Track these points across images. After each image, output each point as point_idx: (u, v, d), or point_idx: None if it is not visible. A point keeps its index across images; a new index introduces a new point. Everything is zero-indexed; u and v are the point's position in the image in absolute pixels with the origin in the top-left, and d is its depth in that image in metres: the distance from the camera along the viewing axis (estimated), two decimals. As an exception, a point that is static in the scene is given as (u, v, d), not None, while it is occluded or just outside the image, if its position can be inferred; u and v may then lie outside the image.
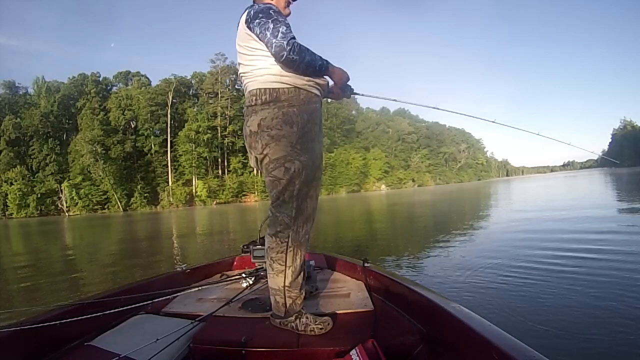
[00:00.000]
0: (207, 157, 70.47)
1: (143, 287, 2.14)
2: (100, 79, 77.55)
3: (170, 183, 70.30)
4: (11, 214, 62.86)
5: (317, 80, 1.75)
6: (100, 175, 65.84)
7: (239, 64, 1.81)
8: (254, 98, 1.71)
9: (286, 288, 1.70)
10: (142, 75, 78.80)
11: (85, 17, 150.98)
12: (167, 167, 71.55)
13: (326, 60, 1.71)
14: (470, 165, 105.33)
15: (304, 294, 1.78)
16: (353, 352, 1.36)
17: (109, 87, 78.60)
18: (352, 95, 2.06)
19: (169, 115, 72.72)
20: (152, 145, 72.75)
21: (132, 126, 73.90)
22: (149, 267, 7.10)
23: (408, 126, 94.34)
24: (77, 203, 65.28)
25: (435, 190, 50.00)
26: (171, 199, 67.38)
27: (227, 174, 71.88)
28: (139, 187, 68.24)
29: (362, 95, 2.14)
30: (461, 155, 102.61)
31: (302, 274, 1.78)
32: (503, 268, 4.66)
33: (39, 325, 1.48)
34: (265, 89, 1.68)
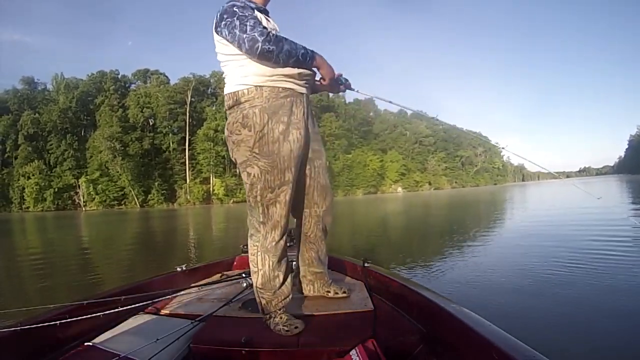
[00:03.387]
0: (225, 156, 67.23)
1: (143, 287, 2.06)
2: (119, 76, 75.79)
3: (188, 181, 68.03)
4: (28, 207, 61.25)
5: (285, 72, 1.60)
6: (118, 172, 64.01)
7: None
8: (226, 104, 1.68)
9: (258, 289, 1.71)
10: (161, 74, 76.95)
11: (102, 15, 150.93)
12: (185, 165, 69.32)
13: (311, 50, 1.59)
14: (486, 169, 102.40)
15: (281, 298, 1.72)
16: (353, 352, 1.34)
17: (127, 85, 76.77)
18: (347, 90, 1.90)
19: (187, 114, 70.62)
20: (170, 143, 70.55)
21: (151, 124, 71.68)
22: (164, 263, 6.69)
23: (425, 129, 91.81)
24: (94, 198, 63.43)
25: (451, 194, 48.41)
26: (188, 197, 65.02)
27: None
28: (156, 184, 66.12)
29: (358, 91, 1.94)
30: (478, 159, 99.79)
31: (274, 277, 1.72)
32: (505, 269, 4.76)
33: (39, 325, 1.44)
34: (229, 93, 1.64)
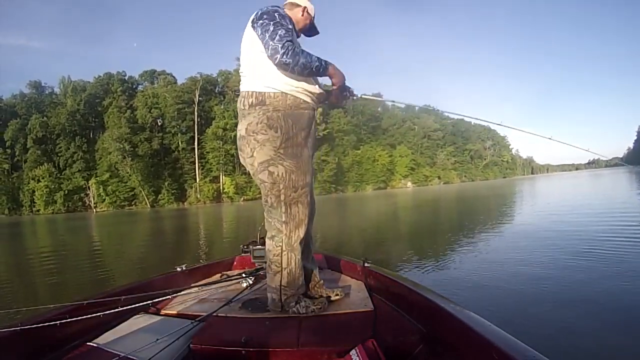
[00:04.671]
0: (234, 155, 65.76)
1: (143, 287, 2.06)
2: (126, 77, 74.23)
3: (197, 180, 66.36)
4: (38, 210, 60.00)
5: (308, 87, 1.73)
6: (127, 172, 62.50)
7: (239, 60, 1.79)
8: (243, 100, 1.71)
9: (283, 287, 1.74)
10: (168, 74, 75.08)
11: (105, 18, 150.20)
12: (195, 164, 67.58)
13: (325, 62, 1.69)
14: (495, 162, 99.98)
15: (300, 292, 1.80)
16: (353, 352, 1.34)
17: (134, 86, 75.06)
18: (352, 99, 2.02)
19: (196, 113, 68.93)
20: (180, 143, 68.91)
21: (159, 124, 69.93)
22: (175, 261, 5.89)
23: (434, 123, 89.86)
24: (104, 199, 62.05)
25: (461, 188, 46.71)
26: (198, 196, 63.40)
27: (255, 172, 66.99)
28: (166, 183, 64.58)
29: (362, 97, 2.09)
30: (487, 153, 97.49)
31: (298, 273, 1.79)
32: (506, 269, 4.64)
33: (39, 325, 1.45)
34: (252, 92, 1.69)
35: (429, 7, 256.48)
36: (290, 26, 1.65)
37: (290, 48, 1.54)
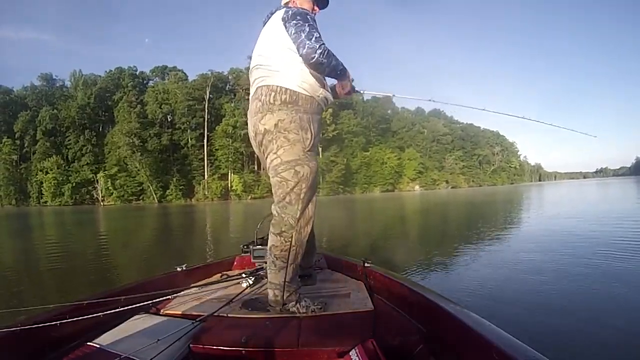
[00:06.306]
0: (244, 152, 65.02)
1: (143, 287, 2.05)
2: (137, 73, 73.40)
3: (206, 177, 65.29)
4: (46, 201, 59.66)
5: (327, 96, 1.81)
6: (136, 167, 61.58)
7: (259, 55, 1.79)
8: (273, 94, 1.69)
9: (286, 283, 1.74)
10: (179, 70, 74.07)
11: (117, 14, 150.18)
12: (204, 160, 66.53)
13: (344, 66, 1.78)
14: (503, 168, 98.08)
15: (299, 287, 1.82)
16: (353, 352, 1.33)
17: (145, 81, 74.31)
18: (353, 94, 2.07)
19: (206, 110, 67.81)
20: (189, 139, 67.91)
21: (169, 120, 68.92)
22: (181, 258, 6.05)
23: (443, 127, 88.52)
24: (112, 193, 61.37)
25: (469, 193, 45.62)
26: (206, 193, 62.40)
27: (263, 169, 65.77)
28: (174, 179, 63.63)
29: (364, 92, 2.19)
30: (495, 158, 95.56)
31: (299, 271, 1.84)
32: (506, 268, 4.73)
33: (39, 325, 1.43)
34: (286, 88, 1.68)
35: (436, 6, 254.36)
36: (318, 30, 1.68)
37: (325, 49, 1.59)
